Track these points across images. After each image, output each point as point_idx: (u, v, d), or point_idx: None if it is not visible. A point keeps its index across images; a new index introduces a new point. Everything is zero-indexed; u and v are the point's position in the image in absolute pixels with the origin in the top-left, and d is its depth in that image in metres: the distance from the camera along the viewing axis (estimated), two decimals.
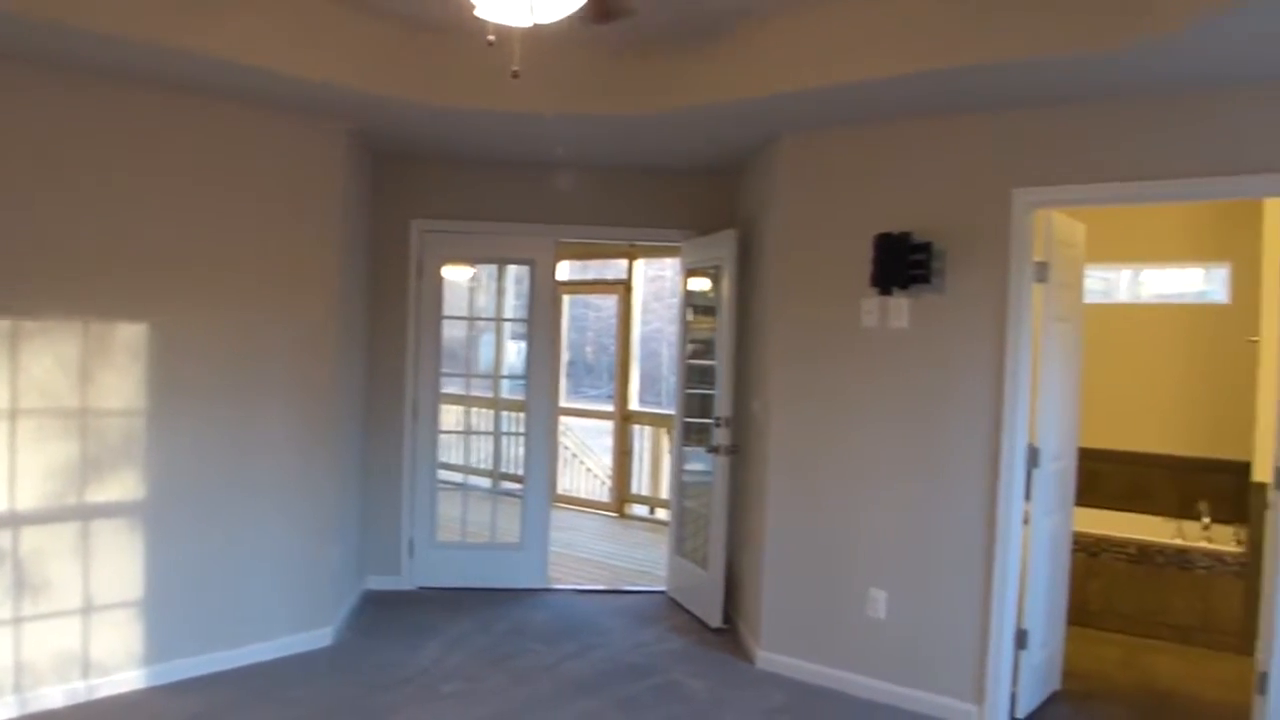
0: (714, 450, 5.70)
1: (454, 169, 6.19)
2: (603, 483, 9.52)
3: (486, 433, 7.08)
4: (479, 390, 7.74)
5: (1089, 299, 6.89)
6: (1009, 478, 4.37)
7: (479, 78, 4.63)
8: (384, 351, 6.16)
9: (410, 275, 6.16)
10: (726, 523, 5.68)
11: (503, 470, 6.68)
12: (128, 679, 4.52)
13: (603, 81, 4.76)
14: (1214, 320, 6.44)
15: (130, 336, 4.48)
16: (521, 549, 6.41)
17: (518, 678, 4.89)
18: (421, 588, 6.24)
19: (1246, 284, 6.06)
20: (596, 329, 15.29)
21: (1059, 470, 4.72)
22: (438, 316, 6.31)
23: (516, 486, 6.59)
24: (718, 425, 5.66)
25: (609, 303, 9.28)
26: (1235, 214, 6.13)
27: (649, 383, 11.94)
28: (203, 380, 4.71)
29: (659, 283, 13.47)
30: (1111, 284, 7.02)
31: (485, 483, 6.83)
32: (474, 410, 8.08)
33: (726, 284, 5.62)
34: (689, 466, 6.31)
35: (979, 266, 4.45)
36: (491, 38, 3.09)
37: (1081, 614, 5.85)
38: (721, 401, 5.67)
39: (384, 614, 5.76)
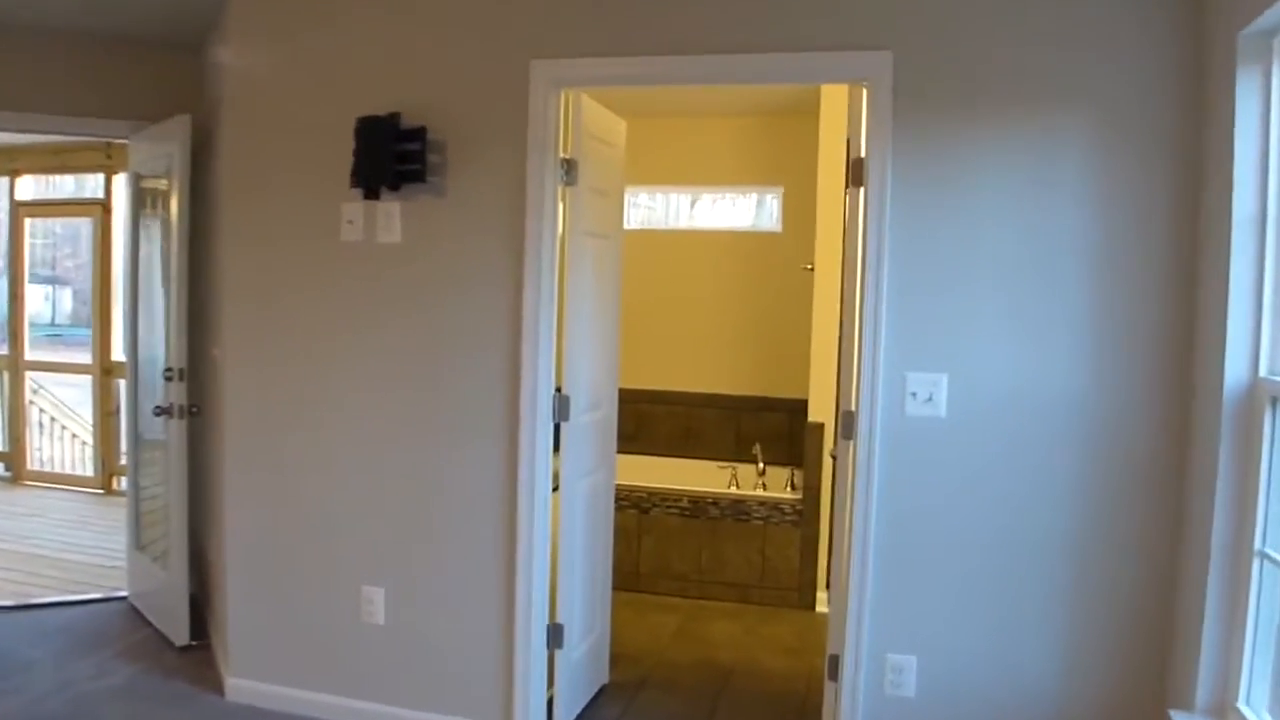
0: (164, 412, 4.25)
1: None
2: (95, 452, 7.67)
3: None
4: None
5: (638, 226, 6.25)
6: (532, 434, 3.40)
7: None
8: None
9: None
10: (188, 507, 4.27)
11: None
12: None
13: None
14: (767, 249, 6.09)
15: None
16: None
17: None
18: None
19: (800, 211, 5.66)
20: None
21: (597, 421, 3.84)
22: None
23: None
24: (169, 379, 4.24)
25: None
26: (789, 136, 5.76)
27: None
28: None
29: None
30: (661, 210, 6.40)
31: None
32: None
33: (177, 189, 4.15)
34: (150, 434, 4.79)
35: (490, 162, 3.39)
36: None
37: (633, 578, 5.21)
38: (174, 347, 4.23)
39: None
